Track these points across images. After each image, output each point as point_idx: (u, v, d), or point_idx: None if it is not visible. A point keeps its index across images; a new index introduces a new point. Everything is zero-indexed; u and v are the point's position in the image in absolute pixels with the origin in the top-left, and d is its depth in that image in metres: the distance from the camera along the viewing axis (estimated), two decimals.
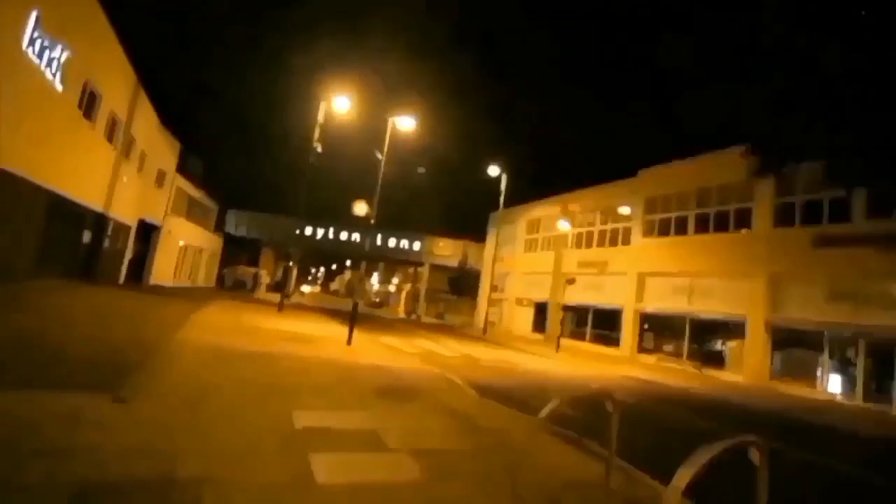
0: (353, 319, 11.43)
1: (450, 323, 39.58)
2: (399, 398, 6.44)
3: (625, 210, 24.66)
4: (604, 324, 25.16)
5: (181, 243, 28.72)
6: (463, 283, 32.55)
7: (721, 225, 19.93)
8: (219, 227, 40.54)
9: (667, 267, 21.68)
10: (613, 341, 23.92)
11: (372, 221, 11.72)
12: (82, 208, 15.25)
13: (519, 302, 32.04)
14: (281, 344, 9.97)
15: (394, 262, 52.27)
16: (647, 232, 23.16)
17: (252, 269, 42.10)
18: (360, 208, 11.74)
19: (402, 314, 43.85)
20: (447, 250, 41.42)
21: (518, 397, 8.18)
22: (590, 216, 27.17)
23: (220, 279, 39.50)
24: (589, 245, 26.88)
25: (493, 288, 35.43)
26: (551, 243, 30.14)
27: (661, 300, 21.85)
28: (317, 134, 20.02)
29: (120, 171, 18.08)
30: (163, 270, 25.87)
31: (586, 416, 5.42)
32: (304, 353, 9.17)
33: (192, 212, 30.77)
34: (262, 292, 41.63)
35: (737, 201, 19.49)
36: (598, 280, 25.29)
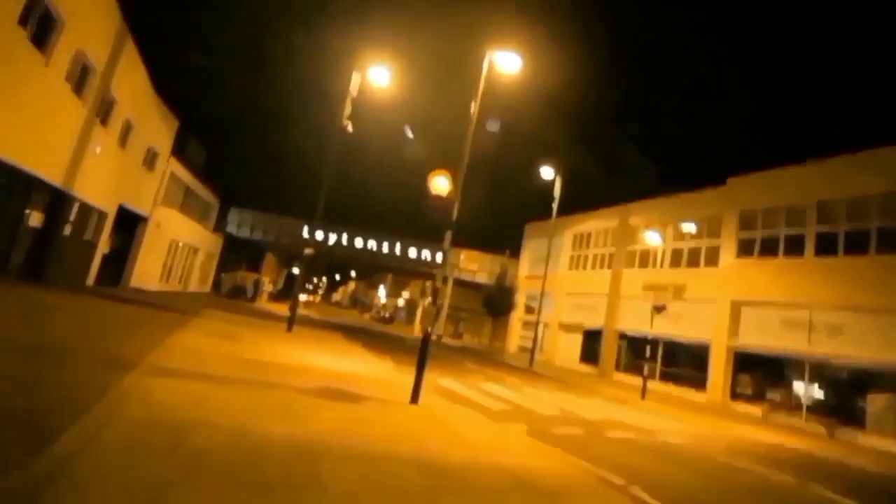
0: (422, 362, 7.03)
1: (471, 345, 35.03)
2: None
3: (689, 226, 20.32)
4: (677, 360, 20.67)
5: (173, 240, 24.37)
6: (501, 303, 28.08)
7: (856, 245, 15.62)
8: (219, 226, 36.22)
9: (773, 295, 17.31)
10: (694, 382, 19.41)
11: (456, 205, 7.41)
12: (26, 176, 10.95)
13: (563, 327, 27.55)
14: (310, 407, 5.56)
15: (411, 275, 47.77)
16: (744, 251, 18.82)
17: (253, 275, 37.72)
18: (440, 185, 7.48)
19: (417, 333, 39.30)
20: (474, 264, 36.95)
21: None
22: (658, 231, 22.87)
23: (217, 284, 35.08)
24: (658, 264, 22.52)
25: (528, 309, 31.05)
26: (606, 261, 25.80)
27: (765, 336, 17.40)
28: (347, 110, 15.90)
29: (92, 137, 13.83)
30: (147, 271, 21.47)
31: None
32: (359, 444, 4.77)
33: (187, 204, 26.47)
34: (263, 301, 37.19)
35: (880, 218, 15.23)
36: (671, 307, 20.85)
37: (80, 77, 12.20)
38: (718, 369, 18.41)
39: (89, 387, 4.62)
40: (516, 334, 32.15)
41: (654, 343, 17.48)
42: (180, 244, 25.48)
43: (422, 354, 7.10)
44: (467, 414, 7.39)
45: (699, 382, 19.26)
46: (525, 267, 32.72)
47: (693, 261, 20.94)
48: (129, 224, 19.87)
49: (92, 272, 17.31)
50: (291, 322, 15.05)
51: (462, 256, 38.58)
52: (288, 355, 9.74)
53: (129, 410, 4.16)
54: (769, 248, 17.94)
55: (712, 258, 20.04)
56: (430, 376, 11.63)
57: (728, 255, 19.22)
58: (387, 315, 57.34)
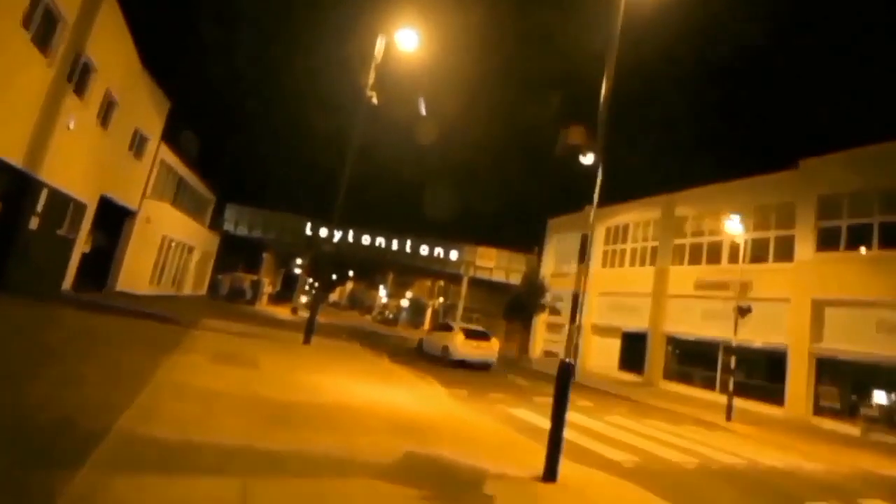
0: (560, 420, 4.50)
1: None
2: None
3: (733, 219, 17.32)
4: (743, 368, 18.19)
5: (165, 238, 21.65)
6: (532, 303, 25.48)
7: None
8: (215, 223, 33.50)
9: (866, 292, 14.92)
10: (766, 394, 17.04)
11: (599, 176, 4.89)
12: None
13: (596, 330, 25.12)
14: None
15: (419, 273, 45.17)
16: (825, 242, 16.41)
17: (251, 276, 35.06)
18: (575, 135, 5.00)
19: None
20: (490, 262, 34.41)
21: None
22: (710, 223, 20.48)
23: (213, 287, 32.37)
24: (713, 260, 20.11)
25: (552, 310, 28.56)
26: (648, 256, 23.37)
27: (857, 340, 15.01)
28: (371, 79, 13.32)
29: (63, 109, 11.17)
30: (136, 272, 18.79)
31: None
32: None
33: (181, 198, 23.78)
34: (263, 303, 34.52)
35: None
36: (730, 307, 18.41)
37: (42, 24, 9.54)
38: (798, 379, 16.01)
39: None
40: (541, 338, 29.71)
41: (731, 351, 15.04)
42: (173, 242, 22.76)
43: (558, 408, 4.53)
44: (622, 491, 4.84)
45: (772, 394, 16.87)
46: (549, 265, 30.26)
47: (759, 255, 18.51)
48: (113, 218, 17.22)
49: (69, 275, 14.64)
50: (309, 333, 12.50)
51: (478, 253, 36.06)
52: (321, 385, 7.21)
53: None
54: (859, 239, 15.54)
55: (784, 251, 17.63)
56: (490, 404, 9.17)
57: (805, 247, 16.81)
58: (391, 316, 54.69)
